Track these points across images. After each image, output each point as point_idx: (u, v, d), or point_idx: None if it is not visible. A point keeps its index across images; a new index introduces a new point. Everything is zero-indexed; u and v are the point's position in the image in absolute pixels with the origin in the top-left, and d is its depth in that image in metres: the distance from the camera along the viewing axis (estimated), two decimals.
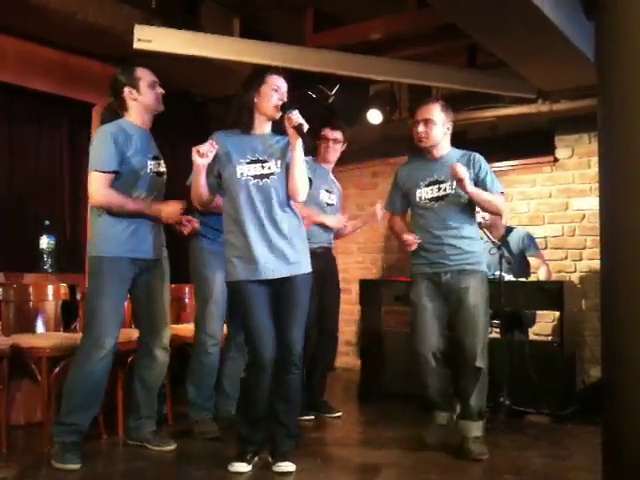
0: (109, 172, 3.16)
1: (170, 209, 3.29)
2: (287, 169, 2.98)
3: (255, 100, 2.99)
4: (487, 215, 4.82)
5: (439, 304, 3.43)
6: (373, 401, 4.75)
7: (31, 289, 3.92)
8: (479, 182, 3.43)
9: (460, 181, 3.27)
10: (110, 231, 3.19)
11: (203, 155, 2.88)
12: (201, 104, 5.78)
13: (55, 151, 4.74)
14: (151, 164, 3.30)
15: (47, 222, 4.06)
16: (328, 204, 4.32)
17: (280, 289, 2.98)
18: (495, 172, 6.03)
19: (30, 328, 3.87)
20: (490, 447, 3.43)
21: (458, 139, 6.05)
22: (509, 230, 4.99)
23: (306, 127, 2.88)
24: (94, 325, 3.16)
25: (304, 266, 3.03)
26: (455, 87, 5.39)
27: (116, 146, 3.16)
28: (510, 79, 5.06)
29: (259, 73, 3.07)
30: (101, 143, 3.19)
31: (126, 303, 3.52)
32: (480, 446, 3.33)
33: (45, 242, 4.09)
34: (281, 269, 2.96)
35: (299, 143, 2.92)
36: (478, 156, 3.51)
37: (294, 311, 2.99)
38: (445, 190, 3.42)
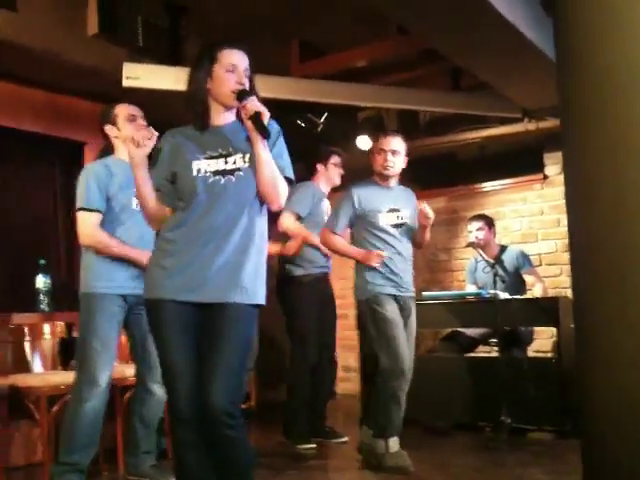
0: (94, 210, 3.18)
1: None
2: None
3: (207, 85, 2.32)
4: (481, 234, 4.89)
5: None
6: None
7: (28, 329, 3.93)
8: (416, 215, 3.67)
9: (427, 220, 3.55)
10: (99, 268, 3.19)
11: (139, 144, 2.28)
12: None
13: (48, 190, 4.77)
14: (134, 199, 3.23)
15: (42, 261, 4.06)
16: None
17: (210, 317, 2.26)
18: (486, 192, 6.17)
19: (28, 367, 3.85)
20: (493, 465, 3.44)
21: (447, 161, 6.20)
22: (503, 248, 5.02)
23: (267, 116, 2.24)
24: (87, 362, 3.14)
25: (252, 295, 2.30)
26: (441, 110, 5.47)
27: (98, 184, 3.19)
28: (495, 100, 5.14)
29: (209, 50, 2.36)
30: (84, 182, 3.22)
31: (123, 339, 3.52)
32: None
33: (41, 281, 4.09)
34: (227, 293, 2.25)
35: (259, 138, 2.24)
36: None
37: (223, 347, 2.22)
38: (402, 219, 3.63)
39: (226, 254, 2.26)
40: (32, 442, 3.80)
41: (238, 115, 2.35)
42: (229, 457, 2.23)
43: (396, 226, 3.61)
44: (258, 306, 2.34)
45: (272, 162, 2.30)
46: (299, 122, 5.81)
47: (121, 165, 3.30)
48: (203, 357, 2.24)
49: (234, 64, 2.32)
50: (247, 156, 2.31)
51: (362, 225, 3.63)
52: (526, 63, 4.16)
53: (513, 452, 3.82)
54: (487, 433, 4.06)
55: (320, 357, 4.25)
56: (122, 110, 3.34)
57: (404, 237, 3.63)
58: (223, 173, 2.30)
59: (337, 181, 4.54)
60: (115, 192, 3.22)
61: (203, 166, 2.31)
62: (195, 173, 2.30)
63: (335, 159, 4.55)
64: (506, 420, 3.96)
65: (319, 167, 4.50)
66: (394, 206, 3.62)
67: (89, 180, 3.21)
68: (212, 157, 2.32)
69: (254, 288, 2.31)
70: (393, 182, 3.69)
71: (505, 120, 5.57)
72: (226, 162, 2.31)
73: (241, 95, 2.28)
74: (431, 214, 3.55)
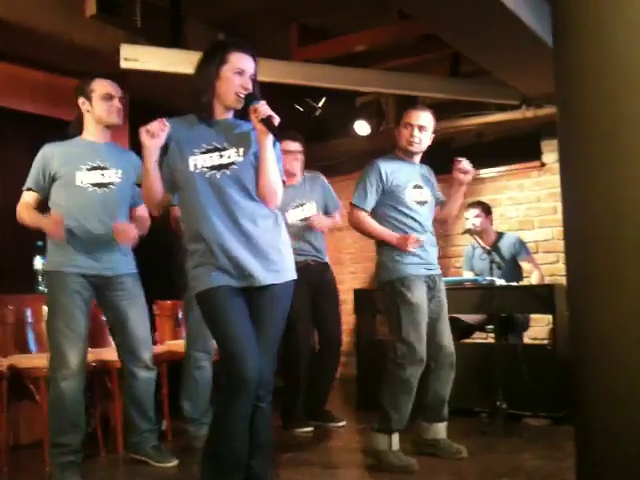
0: (28, 190, 3.24)
1: (45, 222, 3.15)
2: (254, 159, 2.44)
3: (215, 83, 2.43)
4: (478, 221, 4.90)
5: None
6: (372, 410, 4.74)
7: (27, 310, 3.94)
8: (437, 194, 3.61)
9: (464, 176, 3.49)
10: (57, 247, 3.18)
11: (154, 135, 2.36)
12: None
13: None
14: (83, 175, 3.22)
15: (40, 243, 4.05)
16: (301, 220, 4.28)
17: (252, 300, 2.44)
18: (483, 179, 6.16)
19: (27, 348, 3.87)
20: (487, 450, 3.47)
21: (444, 147, 6.18)
22: (500, 235, 5.04)
23: (277, 120, 2.34)
24: (54, 343, 3.13)
25: (284, 273, 2.48)
26: (440, 96, 5.46)
27: (41, 164, 3.22)
28: (494, 86, 5.14)
29: (219, 49, 2.46)
30: (34, 162, 3.27)
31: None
32: (459, 445, 3.46)
33: (39, 263, 4.10)
34: (257, 275, 2.41)
35: (269, 140, 2.37)
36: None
37: (266, 327, 2.43)
38: (426, 196, 3.50)
39: (244, 241, 2.39)
40: (33, 422, 3.83)
41: (237, 114, 2.48)
42: (258, 436, 2.39)
43: (420, 203, 3.46)
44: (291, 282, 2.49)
45: (276, 164, 2.43)
46: (297, 106, 5.80)
47: (74, 143, 3.29)
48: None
49: (242, 68, 2.42)
50: (241, 150, 2.42)
51: (387, 202, 3.44)
52: (525, 50, 4.16)
53: (508, 438, 3.85)
54: (483, 419, 4.09)
55: (321, 343, 4.25)
56: (100, 86, 3.27)
57: (429, 214, 3.50)
58: (219, 167, 2.40)
59: (292, 169, 4.21)
60: (56, 170, 3.21)
61: (199, 161, 2.41)
62: (192, 169, 2.41)
63: (286, 145, 4.16)
64: (502, 406, 3.99)
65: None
66: (418, 182, 3.47)
67: (36, 160, 3.26)
68: (208, 151, 2.41)
69: (282, 267, 2.46)
70: (417, 159, 3.53)
71: (503, 107, 5.58)
72: (221, 156, 2.41)
73: (250, 98, 2.39)
74: (469, 167, 3.45)
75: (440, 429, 3.47)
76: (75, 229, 3.16)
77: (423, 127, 3.42)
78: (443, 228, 3.65)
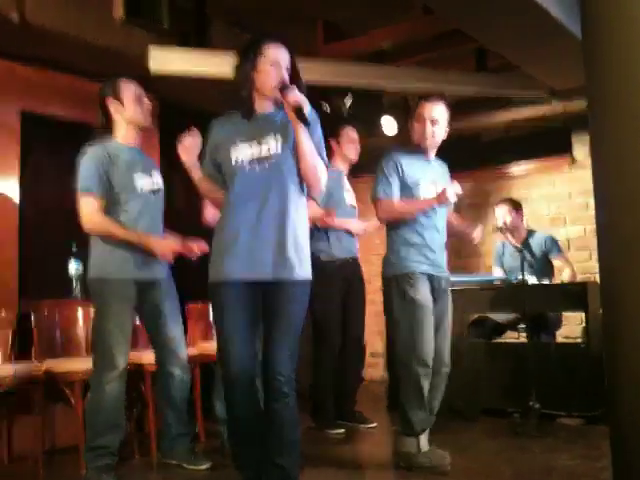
0: (94, 195, 3.12)
1: (163, 246, 3.19)
2: (294, 151, 2.52)
3: (252, 76, 2.53)
4: (508, 218, 4.83)
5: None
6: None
7: (62, 315, 3.97)
8: None
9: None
10: (108, 252, 3.17)
11: (189, 150, 2.61)
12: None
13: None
14: (141, 182, 3.24)
15: (74, 248, 4.10)
16: (352, 206, 4.37)
17: (268, 295, 2.49)
18: (513, 175, 6.09)
19: (62, 353, 3.90)
20: (520, 451, 3.44)
21: (472, 142, 6.12)
22: (531, 233, 4.97)
23: (307, 108, 2.42)
24: (103, 347, 3.16)
25: (300, 271, 2.51)
26: (467, 91, 5.40)
27: (97, 168, 3.12)
28: (521, 80, 5.07)
29: (255, 43, 2.56)
30: (83, 165, 3.15)
31: (139, 324, 3.55)
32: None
33: (73, 268, 4.14)
34: (276, 270, 2.46)
35: (302, 128, 2.45)
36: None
37: (281, 322, 2.47)
38: None
39: (270, 235, 2.46)
40: (68, 426, 3.85)
41: (277, 104, 2.56)
42: (282, 432, 2.45)
43: None
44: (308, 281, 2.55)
45: (313, 150, 2.51)
46: (323, 105, 5.78)
47: (122, 147, 3.24)
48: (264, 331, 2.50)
49: (277, 59, 2.52)
50: (280, 142, 2.52)
51: (401, 196, 3.31)
52: (554, 43, 4.10)
53: (541, 438, 3.80)
54: (515, 419, 4.03)
55: (345, 341, 4.23)
56: (129, 87, 3.24)
57: (442, 214, 3.34)
58: (258, 160, 2.51)
59: (352, 156, 4.42)
60: (116, 175, 3.16)
61: (241, 155, 2.52)
62: (234, 162, 2.53)
63: (348, 134, 4.43)
64: (535, 406, 3.93)
65: (332, 144, 4.37)
66: (434, 179, 3.33)
67: (88, 164, 3.14)
68: (249, 145, 2.52)
69: (299, 265, 2.50)
70: (432, 154, 3.39)
71: (532, 101, 5.49)
72: (261, 150, 2.52)
73: (284, 88, 2.47)
74: (452, 197, 3.18)
75: (424, 439, 3.24)
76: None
77: (436, 120, 3.28)
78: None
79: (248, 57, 2.54)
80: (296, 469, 2.49)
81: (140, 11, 4.36)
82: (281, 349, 2.44)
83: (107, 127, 3.26)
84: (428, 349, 3.16)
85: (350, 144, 4.41)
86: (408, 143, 3.41)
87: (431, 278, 3.26)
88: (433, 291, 3.26)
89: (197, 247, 3.24)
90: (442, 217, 3.35)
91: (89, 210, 3.12)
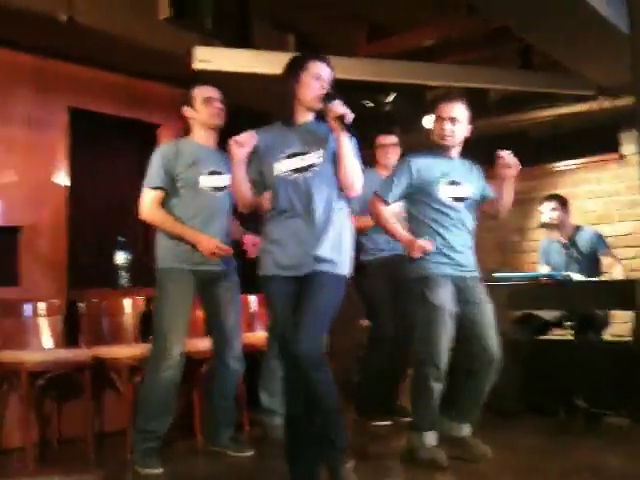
0: (156, 188, 3.32)
1: (205, 245, 3.27)
2: (333, 160, 2.70)
3: (295, 89, 2.72)
4: (554, 214, 4.76)
5: (457, 311, 3.25)
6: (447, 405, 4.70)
7: (109, 303, 4.10)
8: (484, 190, 3.42)
9: (506, 171, 3.26)
10: (169, 244, 3.32)
11: (242, 145, 2.69)
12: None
13: (125, 171, 4.90)
14: (205, 179, 3.36)
15: (121, 239, 4.23)
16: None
17: (302, 286, 2.67)
18: (559, 171, 6.01)
19: (109, 340, 4.02)
20: (567, 449, 3.39)
21: (519, 139, 6.06)
22: (578, 229, 4.88)
23: (350, 117, 2.59)
24: (160, 335, 3.27)
25: (335, 267, 2.68)
26: (513, 88, 5.35)
27: (164, 163, 3.32)
28: (568, 77, 5.01)
29: (299, 59, 2.79)
30: (152, 161, 3.37)
31: (199, 313, 3.64)
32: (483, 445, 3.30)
33: (121, 257, 4.27)
34: (311, 265, 2.64)
35: (344, 135, 2.63)
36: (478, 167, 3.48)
37: (307, 307, 2.62)
38: (464, 193, 3.33)
39: (312, 236, 2.64)
40: (115, 411, 3.97)
41: (318, 116, 2.75)
42: (318, 403, 2.61)
43: (457, 199, 3.30)
44: (343, 277, 2.71)
45: (353, 155, 2.68)
46: (365, 103, 5.79)
47: (193, 146, 3.42)
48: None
49: (320, 74, 2.72)
50: (321, 152, 2.70)
51: (419, 198, 3.32)
52: (601, 40, 4.05)
53: (587, 437, 3.75)
54: (561, 417, 3.99)
55: (398, 337, 4.24)
56: (199, 92, 3.44)
57: (467, 212, 3.32)
58: (301, 170, 2.68)
59: (389, 161, 4.31)
60: (180, 172, 3.33)
61: (284, 166, 2.70)
62: (277, 173, 2.70)
63: (381, 140, 4.40)
64: (581, 404, 3.88)
65: (375, 150, 4.40)
66: (455, 178, 3.31)
67: (156, 159, 3.35)
68: (290, 156, 2.70)
69: (339, 261, 2.68)
70: (454, 152, 3.37)
71: (579, 98, 5.42)
72: (303, 159, 2.69)
73: (327, 98, 2.66)
74: (512, 161, 3.21)
75: (465, 428, 3.33)
76: (195, 228, 3.31)
77: (455, 119, 3.28)
78: (495, 219, 3.48)
79: (292, 71, 2.74)
80: (339, 435, 2.67)
81: (185, 12, 4.45)
82: (305, 329, 2.59)
83: (188, 133, 3.49)
84: (441, 352, 3.17)
85: (384, 149, 4.38)
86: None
87: (454, 279, 3.25)
88: (459, 292, 3.25)
89: (251, 246, 3.42)
90: (467, 215, 3.33)
91: (146, 202, 3.34)
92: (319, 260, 2.64)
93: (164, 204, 3.35)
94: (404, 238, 3.31)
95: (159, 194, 3.33)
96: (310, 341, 2.60)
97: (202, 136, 3.45)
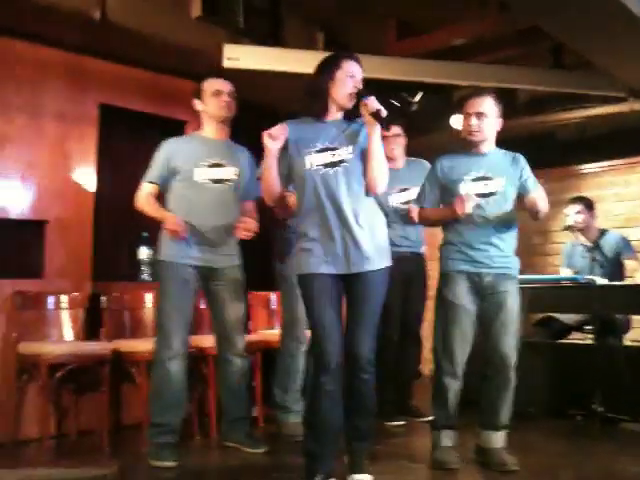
0: (149, 181, 3.40)
1: (168, 223, 3.29)
2: (362, 156, 2.77)
3: (329, 86, 2.79)
4: (580, 217, 4.73)
5: (476, 308, 3.22)
6: (461, 407, 4.71)
7: (131, 297, 4.16)
8: (522, 183, 3.27)
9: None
10: (170, 238, 3.34)
11: (275, 138, 2.73)
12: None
13: None
14: (203, 172, 3.38)
15: (145, 234, 4.30)
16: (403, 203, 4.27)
17: (350, 285, 2.77)
18: (585, 173, 5.96)
19: (130, 334, 4.08)
20: (583, 454, 3.37)
21: (546, 140, 6.02)
22: (603, 233, 4.84)
23: (384, 113, 2.67)
24: (162, 327, 3.34)
25: (378, 261, 2.77)
26: (543, 88, 5.31)
27: (162, 159, 3.40)
28: (599, 78, 4.95)
29: (334, 58, 2.85)
30: (154, 156, 3.46)
31: (206, 311, 3.69)
32: (511, 456, 3.17)
33: (144, 253, 4.34)
34: (359, 263, 2.73)
35: (377, 130, 2.72)
36: (522, 157, 3.33)
37: (362, 308, 2.75)
38: (492, 188, 3.24)
39: (345, 232, 2.71)
40: (133, 404, 4.05)
41: (347, 115, 2.82)
42: (362, 402, 2.76)
43: (483, 195, 3.21)
44: (385, 269, 2.80)
45: (382, 154, 2.76)
46: (392, 101, 5.79)
47: (195, 139, 3.49)
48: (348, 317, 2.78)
49: (354, 72, 2.80)
50: (351, 148, 2.76)
51: (445, 198, 3.31)
52: (633, 41, 4.00)
53: (603, 441, 3.73)
54: (578, 421, 3.98)
55: (403, 335, 4.26)
56: (209, 85, 3.46)
57: (496, 206, 3.20)
58: (331, 165, 2.74)
59: (393, 152, 4.24)
60: (179, 165, 3.38)
61: (314, 160, 2.75)
62: (308, 167, 2.76)
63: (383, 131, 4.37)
64: (598, 409, 3.87)
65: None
66: (483, 174, 3.23)
67: (156, 154, 3.44)
68: (321, 150, 2.75)
69: (380, 255, 2.78)
70: (486, 147, 3.29)
71: (608, 99, 5.36)
72: (333, 155, 2.75)
73: (361, 95, 2.74)
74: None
75: (492, 438, 3.22)
76: (191, 222, 3.33)
77: (482, 114, 3.23)
78: (534, 219, 3.30)
79: (327, 69, 2.81)
80: (370, 433, 2.85)
81: (216, 10, 4.51)
82: (363, 331, 2.73)
83: (200, 127, 3.54)
84: (453, 347, 3.19)
85: (391, 139, 4.25)
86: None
87: (472, 276, 3.21)
88: (476, 290, 3.21)
89: (242, 228, 3.31)
90: (496, 210, 3.21)
91: (139, 193, 3.42)
92: (364, 258, 2.73)
93: (164, 198, 3.42)
94: (446, 210, 3.25)
95: (152, 187, 3.40)
96: (370, 342, 2.74)
97: (212, 129, 3.48)
